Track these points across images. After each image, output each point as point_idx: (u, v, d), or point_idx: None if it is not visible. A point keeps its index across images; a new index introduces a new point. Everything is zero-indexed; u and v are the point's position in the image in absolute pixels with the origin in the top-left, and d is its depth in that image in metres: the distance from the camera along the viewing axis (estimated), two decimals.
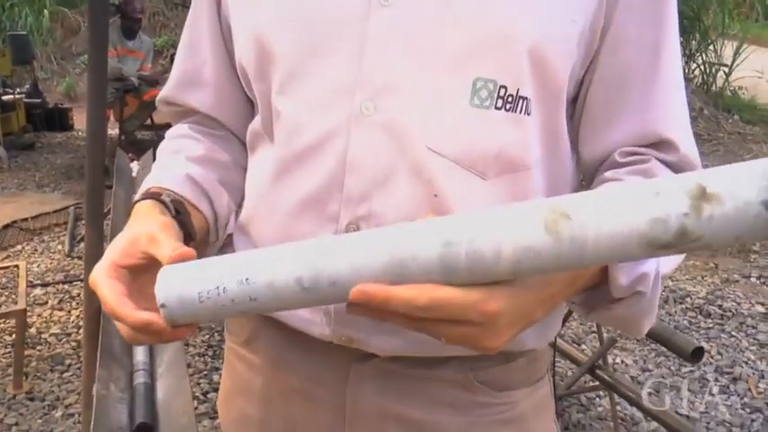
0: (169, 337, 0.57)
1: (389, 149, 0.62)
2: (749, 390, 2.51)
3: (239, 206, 0.78)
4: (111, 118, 5.13)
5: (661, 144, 0.65)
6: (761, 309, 3.13)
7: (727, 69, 6.55)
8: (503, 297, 0.51)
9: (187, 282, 0.56)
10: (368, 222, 0.63)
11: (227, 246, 0.79)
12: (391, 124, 0.61)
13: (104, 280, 0.58)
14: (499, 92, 0.61)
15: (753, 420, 2.34)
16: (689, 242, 0.45)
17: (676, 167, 0.66)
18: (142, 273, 0.60)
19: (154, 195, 0.67)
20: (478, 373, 0.69)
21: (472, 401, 0.69)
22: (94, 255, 2.07)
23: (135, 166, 2.88)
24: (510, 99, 0.61)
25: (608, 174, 0.66)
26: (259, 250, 0.57)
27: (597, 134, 0.67)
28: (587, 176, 0.71)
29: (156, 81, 5.31)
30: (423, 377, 0.68)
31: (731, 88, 6.70)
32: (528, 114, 0.62)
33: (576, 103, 0.68)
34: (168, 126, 0.83)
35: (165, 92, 0.80)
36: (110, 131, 5.10)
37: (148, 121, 5.67)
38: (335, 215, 0.64)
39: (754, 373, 2.62)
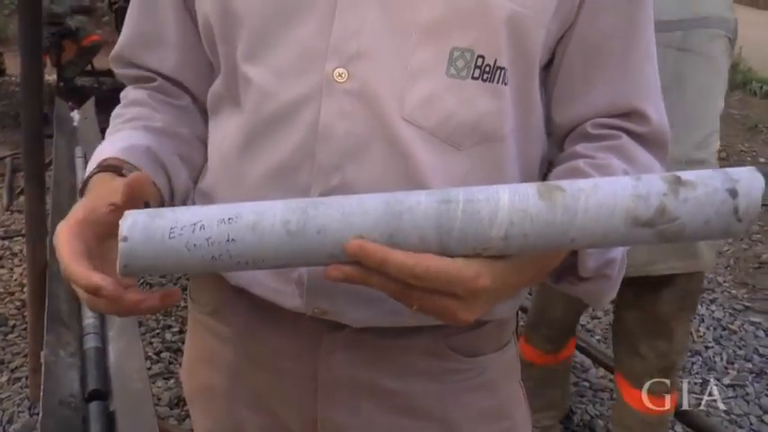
0: (123, 305, 0.53)
1: (363, 119, 0.59)
2: (690, 334, 2.62)
3: (196, 182, 0.74)
4: (49, 64, 4.86)
5: (632, 114, 0.66)
6: None
7: None
8: (491, 276, 0.53)
9: (158, 216, 0.51)
10: (340, 193, 0.60)
11: None
12: (364, 93, 0.59)
13: (65, 236, 0.54)
14: (476, 62, 0.60)
15: (693, 363, 2.45)
16: (667, 221, 0.50)
17: (647, 139, 0.66)
18: (107, 238, 0.56)
19: (113, 168, 0.62)
20: (450, 340, 0.69)
21: (443, 368, 0.70)
22: (35, 209, 1.98)
23: (76, 114, 2.73)
24: (487, 69, 0.60)
25: (579, 148, 0.66)
26: (247, 203, 0.53)
27: (571, 100, 0.67)
28: (558, 142, 0.70)
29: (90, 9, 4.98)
30: (395, 346, 0.68)
31: None
32: (505, 84, 0.61)
33: (549, 68, 0.67)
34: (110, 72, 0.78)
35: (120, 50, 0.74)
36: (48, 77, 4.84)
37: (89, 68, 5.39)
38: (306, 186, 0.61)
39: (695, 318, 2.73)
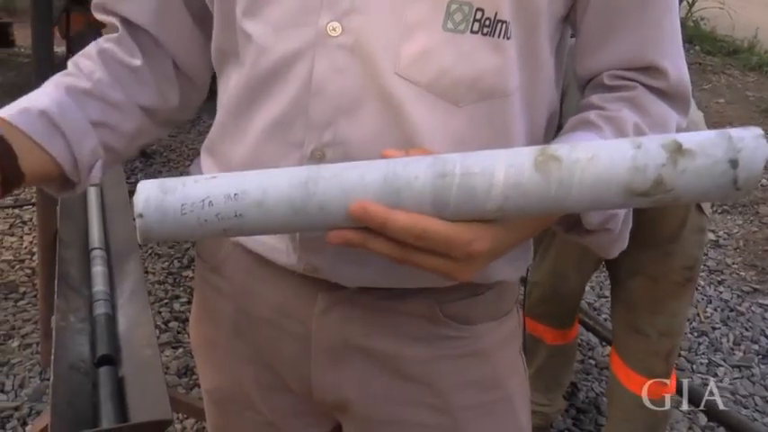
0: None
1: (356, 74, 0.59)
2: (698, 315, 2.62)
3: (125, 150, 0.74)
4: (57, 35, 4.83)
5: (650, 69, 0.65)
6: (711, 236, 3.23)
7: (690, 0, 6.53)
8: (487, 240, 0.54)
9: (169, 192, 0.53)
10: (333, 150, 0.60)
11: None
12: (358, 47, 0.58)
13: None
14: (475, 15, 0.58)
15: (699, 344, 2.45)
16: (663, 192, 0.50)
17: (665, 94, 0.66)
18: None
19: None
20: (445, 306, 0.69)
21: (436, 334, 0.70)
22: None
23: None
24: (488, 23, 0.58)
25: (593, 98, 0.66)
26: (248, 171, 0.55)
27: (591, 53, 0.67)
28: (579, 92, 0.70)
29: None
30: (389, 309, 0.68)
31: (693, 19, 6.69)
32: (508, 39, 0.59)
33: (567, 21, 0.67)
34: None
35: None
36: (57, 50, 4.83)
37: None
38: (300, 141, 0.61)
39: (702, 299, 2.73)
